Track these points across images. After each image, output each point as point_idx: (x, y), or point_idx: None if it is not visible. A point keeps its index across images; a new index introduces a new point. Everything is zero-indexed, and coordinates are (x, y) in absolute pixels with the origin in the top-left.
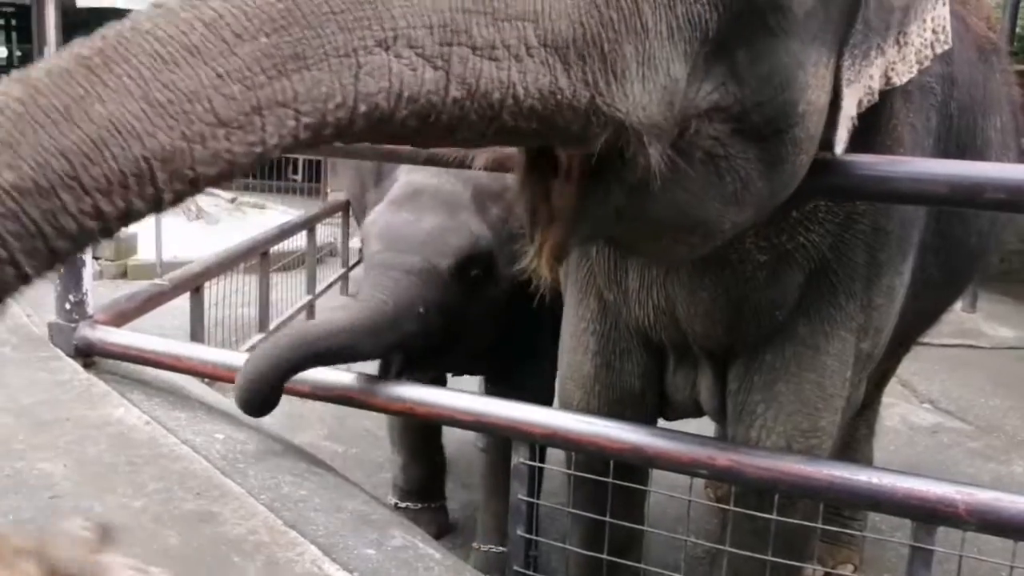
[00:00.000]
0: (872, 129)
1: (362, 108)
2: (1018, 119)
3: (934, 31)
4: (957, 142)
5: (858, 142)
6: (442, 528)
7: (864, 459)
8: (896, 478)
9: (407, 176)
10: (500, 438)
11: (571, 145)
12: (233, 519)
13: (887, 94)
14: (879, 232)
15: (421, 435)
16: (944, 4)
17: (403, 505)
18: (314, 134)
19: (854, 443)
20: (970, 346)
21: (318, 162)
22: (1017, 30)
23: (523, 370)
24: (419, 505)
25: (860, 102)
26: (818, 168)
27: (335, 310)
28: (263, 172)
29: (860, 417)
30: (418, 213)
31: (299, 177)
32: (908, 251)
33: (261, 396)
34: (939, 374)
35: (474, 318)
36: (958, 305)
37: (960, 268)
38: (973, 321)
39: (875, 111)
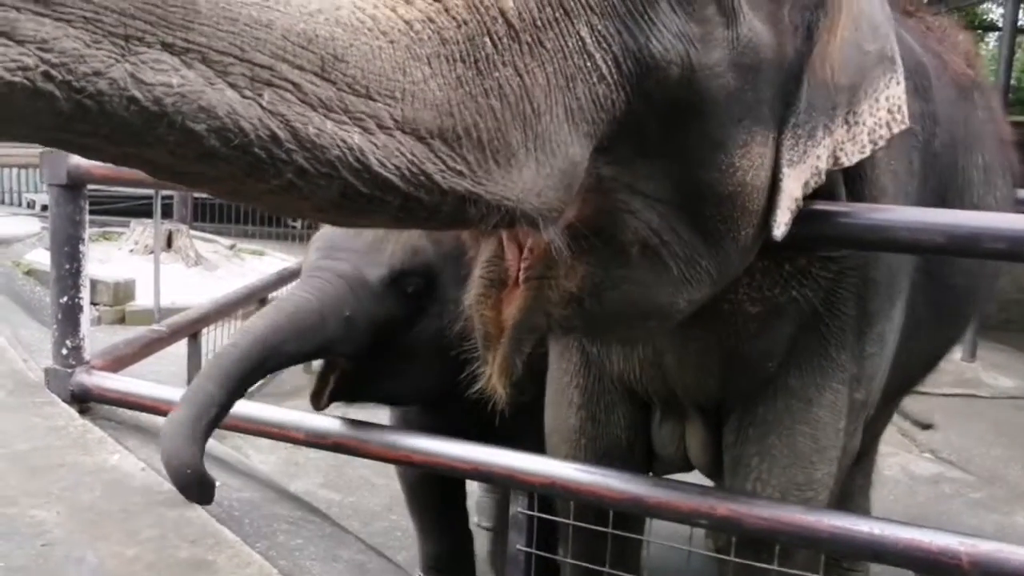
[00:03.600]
0: (853, 179)
1: (136, 93)
2: (1006, 155)
3: (889, 110)
4: (940, 180)
5: (846, 192)
6: None
7: (861, 510)
8: (898, 529)
9: None
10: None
11: (453, 227)
12: (228, 567)
13: None
14: (869, 283)
15: (434, 503)
16: (899, 83)
17: None
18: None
19: (851, 494)
20: (970, 395)
21: None
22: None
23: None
24: None
25: (807, 183)
26: (813, 218)
27: (254, 317)
28: (262, 218)
29: (857, 467)
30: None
31: (298, 224)
32: (896, 297)
33: (192, 479)
34: (940, 423)
35: (416, 344)
36: (957, 355)
37: (950, 307)
38: (973, 370)
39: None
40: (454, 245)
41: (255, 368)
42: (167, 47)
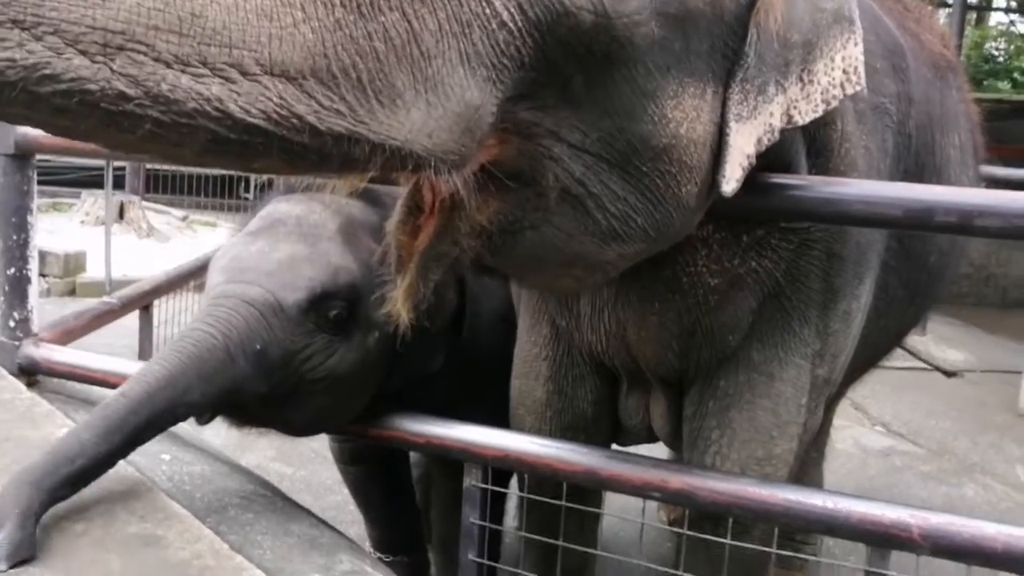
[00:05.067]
0: (824, 153)
1: None
2: (975, 137)
3: (844, 71)
4: (916, 160)
5: (811, 166)
6: None
7: (814, 483)
8: (851, 502)
9: (272, 205)
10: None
11: (339, 170)
12: (178, 543)
13: (837, 116)
14: (834, 258)
15: (379, 495)
16: (856, 44)
17: (378, 556)
18: None
19: (805, 466)
20: (922, 368)
21: (270, 180)
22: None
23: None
24: (391, 558)
25: (759, 140)
26: (768, 190)
27: (151, 361)
28: (214, 190)
29: (811, 440)
30: (273, 243)
31: (250, 195)
32: (865, 275)
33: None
34: (891, 397)
35: (336, 373)
36: None
37: (922, 286)
38: (924, 344)
39: (826, 134)
40: (380, 264)
41: (146, 424)
42: (17, 23)
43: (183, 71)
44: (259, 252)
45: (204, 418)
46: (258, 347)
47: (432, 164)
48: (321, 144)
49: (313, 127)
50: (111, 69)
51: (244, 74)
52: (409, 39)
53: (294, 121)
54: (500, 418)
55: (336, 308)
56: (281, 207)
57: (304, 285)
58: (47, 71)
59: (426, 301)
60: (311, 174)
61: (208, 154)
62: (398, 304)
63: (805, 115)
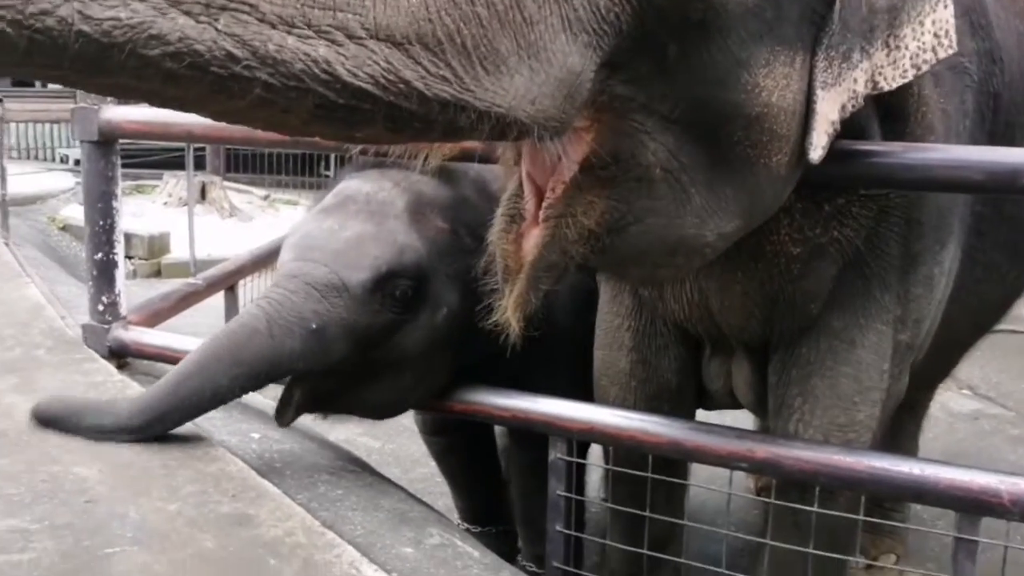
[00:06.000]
0: (900, 118)
1: (85, 28)
2: None
3: (935, 35)
4: (1006, 120)
5: (886, 131)
6: (505, 556)
7: (908, 454)
8: (939, 469)
9: (345, 182)
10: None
11: (440, 138)
12: (269, 521)
13: (914, 79)
14: (913, 223)
15: (464, 466)
16: (947, 6)
17: (466, 527)
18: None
19: (900, 438)
20: (1010, 331)
21: (350, 157)
22: None
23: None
24: (479, 529)
25: (844, 107)
26: (848, 157)
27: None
28: (295, 168)
29: (909, 413)
30: (343, 221)
31: (331, 173)
32: (947, 239)
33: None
34: (978, 359)
35: (402, 352)
36: None
37: (1022, 249)
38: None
39: (902, 98)
40: (447, 241)
41: (174, 410)
42: None
43: (288, 32)
44: (328, 230)
45: (286, 418)
46: (313, 326)
47: (535, 131)
48: (427, 111)
49: (421, 93)
50: (216, 29)
51: (350, 37)
52: (511, 4)
53: (401, 86)
54: (571, 391)
55: (402, 287)
56: (353, 184)
57: (369, 264)
58: (153, 31)
59: (533, 309)
60: (411, 142)
61: (315, 121)
62: (508, 314)
63: (892, 81)
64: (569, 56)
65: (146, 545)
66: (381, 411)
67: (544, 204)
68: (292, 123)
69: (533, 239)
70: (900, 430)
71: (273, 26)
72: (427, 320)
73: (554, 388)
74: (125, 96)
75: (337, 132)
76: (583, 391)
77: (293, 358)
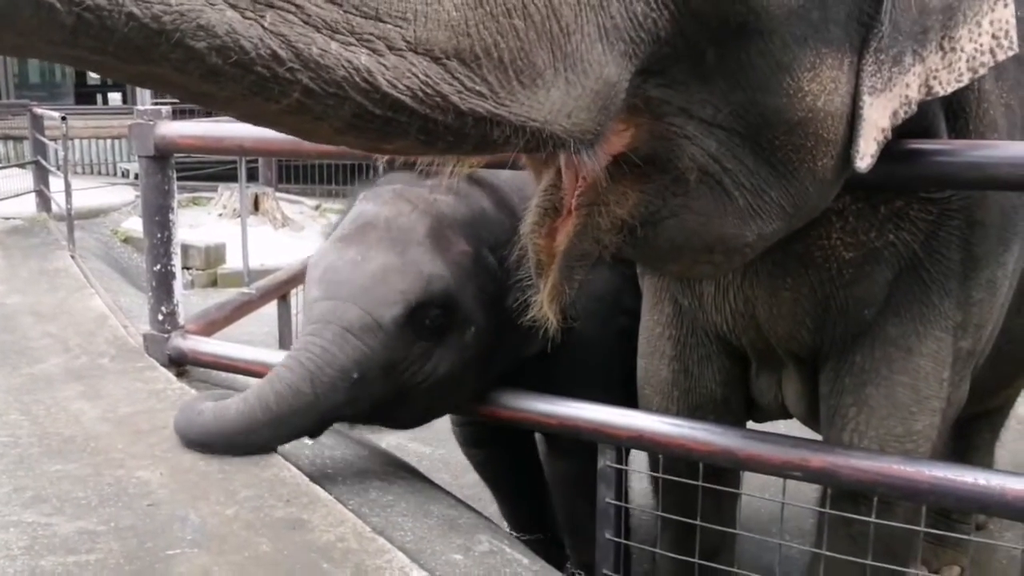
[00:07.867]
0: (961, 115)
1: (135, 9)
2: None
3: (994, 35)
4: None
5: (949, 130)
6: (555, 564)
7: (984, 465)
8: (1005, 479)
9: (360, 205)
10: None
11: (472, 151)
12: (322, 526)
13: None
14: (975, 225)
15: (506, 476)
16: (1007, 5)
17: (515, 535)
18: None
19: (976, 448)
20: None
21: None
22: None
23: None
24: (527, 536)
25: (895, 113)
26: (908, 156)
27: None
28: (346, 178)
29: (986, 421)
30: (365, 251)
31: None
32: (1011, 240)
33: None
34: None
35: (433, 376)
36: None
37: None
38: None
39: (960, 94)
40: (470, 263)
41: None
42: None
43: (332, 37)
44: (352, 263)
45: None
46: (355, 376)
47: (571, 145)
48: (461, 125)
49: (456, 107)
50: (262, 26)
51: (391, 48)
52: (548, 14)
53: (438, 100)
54: (598, 399)
55: (432, 316)
56: (369, 209)
57: (399, 300)
58: (202, 20)
59: (569, 300)
60: (443, 155)
61: (349, 131)
62: (544, 307)
63: (947, 85)
64: (605, 66)
65: (205, 548)
66: (412, 425)
67: (576, 192)
68: (322, 131)
69: (566, 228)
70: (976, 439)
71: (318, 29)
72: (456, 342)
73: (579, 396)
74: (154, 88)
75: (368, 142)
76: (610, 400)
77: (338, 409)
